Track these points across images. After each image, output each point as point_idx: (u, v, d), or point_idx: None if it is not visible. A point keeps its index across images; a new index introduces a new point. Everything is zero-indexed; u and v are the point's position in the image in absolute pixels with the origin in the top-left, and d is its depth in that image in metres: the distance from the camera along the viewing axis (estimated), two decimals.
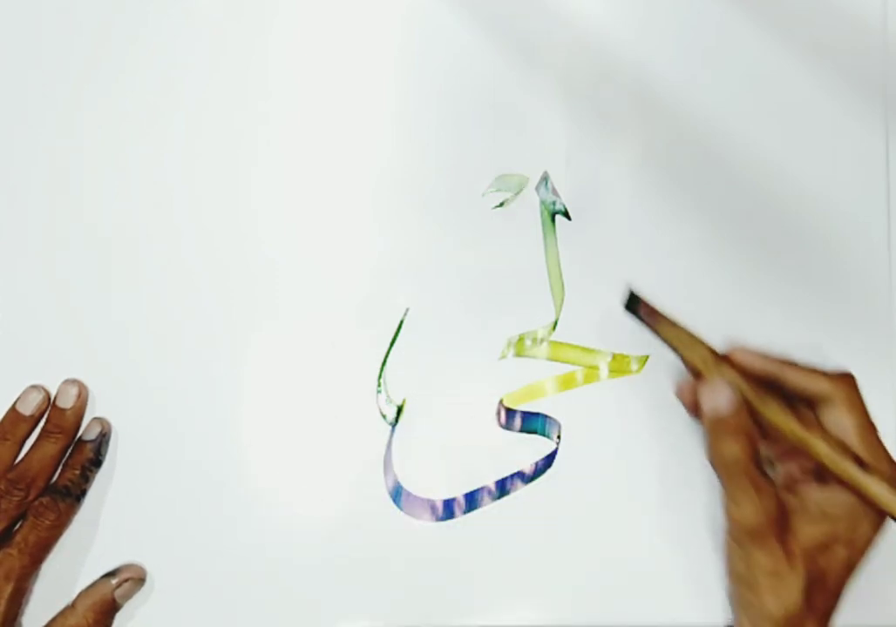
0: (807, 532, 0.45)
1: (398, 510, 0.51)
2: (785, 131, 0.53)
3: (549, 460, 0.51)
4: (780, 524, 0.45)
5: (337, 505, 0.51)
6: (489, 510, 0.51)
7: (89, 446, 0.50)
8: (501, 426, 0.52)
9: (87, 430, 0.50)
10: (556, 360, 0.52)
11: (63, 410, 0.50)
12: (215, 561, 0.50)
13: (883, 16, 0.54)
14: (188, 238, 0.52)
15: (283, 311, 0.52)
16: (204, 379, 0.52)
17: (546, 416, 0.51)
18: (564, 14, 0.54)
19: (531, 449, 0.51)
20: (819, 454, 0.44)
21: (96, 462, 0.50)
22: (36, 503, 0.49)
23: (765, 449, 0.48)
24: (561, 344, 0.52)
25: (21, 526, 0.49)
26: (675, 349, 0.48)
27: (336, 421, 0.51)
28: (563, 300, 0.52)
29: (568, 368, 0.52)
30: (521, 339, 0.52)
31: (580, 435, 0.51)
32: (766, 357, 0.47)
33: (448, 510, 0.51)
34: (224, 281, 0.52)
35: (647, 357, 0.52)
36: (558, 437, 0.51)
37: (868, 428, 0.45)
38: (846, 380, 0.46)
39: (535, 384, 0.52)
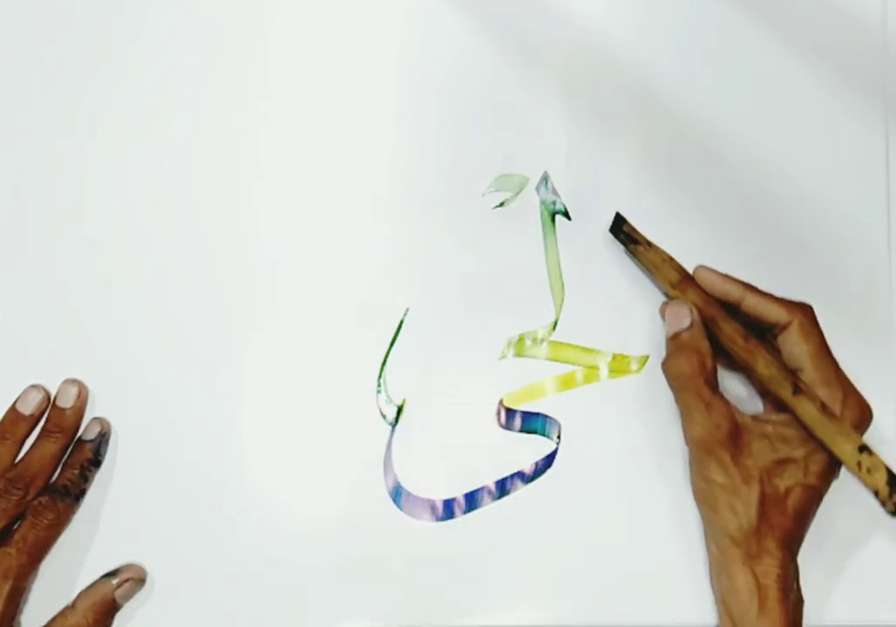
0: (763, 453, 0.46)
1: (398, 510, 0.51)
2: (785, 131, 0.53)
3: (549, 460, 0.51)
4: (735, 442, 0.47)
5: (337, 505, 0.51)
6: (489, 510, 0.51)
7: (89, 446, 0.50)
8: (501, 426, 0.52)
9: (87, 430, 0.50)
10: (556, 360, 0.52)
11: (63, 410, 0.50)
12: (215, 561, 0.50)
13: (883, 16, 0.54)
14: (188, 238, 0.53)
15: (283, 311, 0.52)
16: (204, 379, 0.52)
17: (546, 416, 0.51)
18: (564, 14, 0.54)
19: (531, 449, 0.51)
20: (761, 373, 0.47)
21: (95, 462, 0.50)
22: (35, 502, 0.49)
23: (756, 387, 0.51)
24: (561, 344, 0.52)
25: (20, 526, 0.49)
26: (648, 269, 0.51)
27: (336, 421, 0.51)
28: (563, 300, 0.52)
29: (568, 368, 0.52)
30: (521, 339, 0.52)
31: (580, 435, 0.51)
32: (728, 280, 0.49)
33: (448, 510, 0.51)
34: (224, 281, 0.52)
35: (647, 357, 0.52)
36: (558, 437, 0.51)
37: (821, 354, 0.47)
38: (802, 309, 0.48)
39: (535, 384, 0.52)
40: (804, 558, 0.48)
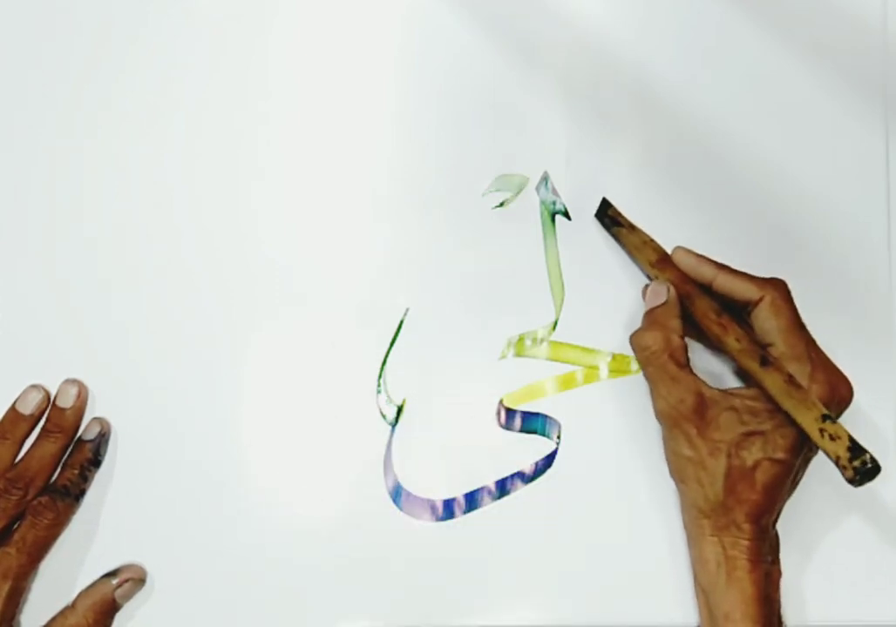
0: (731, 426, 0.47)
1: (398, 510, 0.51)
2: (785, 131, 0.53)
3: (549, 460, 0.51)
4: (701, 415, 0.47)
5: (337, 505, 0.51)
6: (489, 510, 0.51)
7: (88, 446, 0.50)
8: (501, 426, 0.51)
9: (87, 430, 0.50)
10: (556, 360, 0.52)
11: (63, 410, 0.50)
12: (215, 561, 0.50)
13: (883, 16, 0.54)
14: (188, 238, 0.52)
15: (283, 311, 0.52)
16: (204, 379, 0.52)
17: (546, 416, 0.51)
18: (564, 14, 0.54)
19: (531, 449, 0.51)
20: (731, 346, 0.48)
21: (95, 462, 0.50)
22: (35, 502, 0.49)
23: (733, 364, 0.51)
24: (561, 344, 0.52)
25: (20, 525, 0.49)
26: (630, 251, 0.52)
27: (336, 421, 0.51)
28: (563, 300, 0.52)
29: (568, 368, 0.52)
30: (521, 339, 0.52)
31: (580, 435, 0.51)
32: (703, 261, 0.50)
33: (448, 510, 0.51)
34: (224, 281, 0.52)
35: None
36: (558, 437, 0.51)
37: (791, 328, 0.48)
38: (774, 284, 0.49)
39: (535, 384, 0.52)
40: (802, 558, 0.49)
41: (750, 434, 0.46)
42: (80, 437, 0.50)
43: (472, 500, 0.51)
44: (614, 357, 0.52)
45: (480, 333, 0.52)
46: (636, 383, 0.51)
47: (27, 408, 0.50)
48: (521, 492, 0.51)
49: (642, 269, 0.52)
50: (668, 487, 0.50)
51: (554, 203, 0.53)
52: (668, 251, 0.51)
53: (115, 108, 0.53)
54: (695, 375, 0.48)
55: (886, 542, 0.51)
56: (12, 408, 0.50)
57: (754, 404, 0.47)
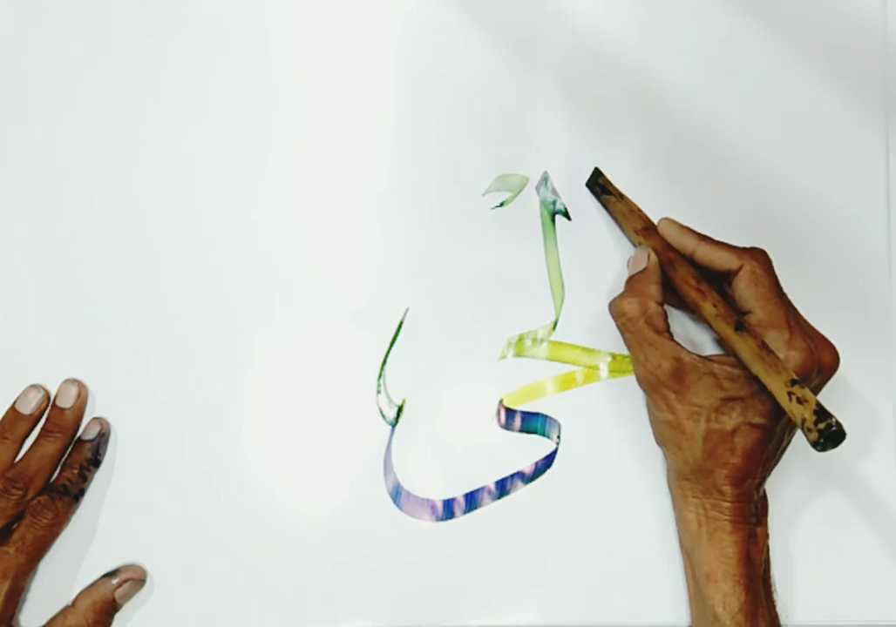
0: (710, 391, 0.47)
1: (398, 510, 0.51)
2: (785, 131, 0.53)
3: (549, 460, 0.51)
4: (679, 380, 0.47)
5: (337, 505, 0.51)
6: (489, 510, 0.51)
7: (88, 446, 0.50)
8: (501, 426, 0.51)
9: (87, 430, 0.50)
10: (556, 360, 0.52)
11: (62, 410, 0.50)
12: (215, 561, 0.50)
13: (883, 16, 0.54)
14: (188, 239, 0.52)
15: (284, 312, 0.52)
16: (204, 379, 0.52)
17: (546, 416, 0.51)
18: (564, 14, 0.54)
19: (531, 449, 0.51)
20: (707, 312, 0.48)
21: (95, 461, 0.50)
22: (34, 502, 0.49)
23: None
24: (561, 344, 0.52)
25: (19, 525, 0.49)
26: (617, 219, 0.52)
27: (336, 421, 0.51)
28: (563, 300, 0.52)
29: (568, 368, 0.52)
30: (521, 339, 0.52)
31: (580, 435, 0.51)
32: (685, 232, 0.50)
33: (448, 510, 0.51)
34: (225, 281, 0.52)
35: None
36: (558, 437, 0.51)
37: (769, 296, 0.48)
38: (753, 254, 0.49)
39: (535, 384, 0.52)
40: (799, 557, 0.49)
41: (729, 399, 0.46)
42: (79, 437, 0.51)
43: (472, 500, 0.51)
44: (614, 357, 0.52)
45: (480, 333, 0.52)
46: (636, 383, 0.51)
47: (27, 408, 0.50)
48: (521, 492, 0.51)
49: (629, 237, 0.52)
50: (667, 487, 0.50)
51: (554, 203, 0.53)
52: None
53: (115, 108, 0.53)
54: (674, 341, 0.48)
55: (887, 543, 0.51)
56: (12, 408, 0.50)
57: (733, 370, 0.47)
